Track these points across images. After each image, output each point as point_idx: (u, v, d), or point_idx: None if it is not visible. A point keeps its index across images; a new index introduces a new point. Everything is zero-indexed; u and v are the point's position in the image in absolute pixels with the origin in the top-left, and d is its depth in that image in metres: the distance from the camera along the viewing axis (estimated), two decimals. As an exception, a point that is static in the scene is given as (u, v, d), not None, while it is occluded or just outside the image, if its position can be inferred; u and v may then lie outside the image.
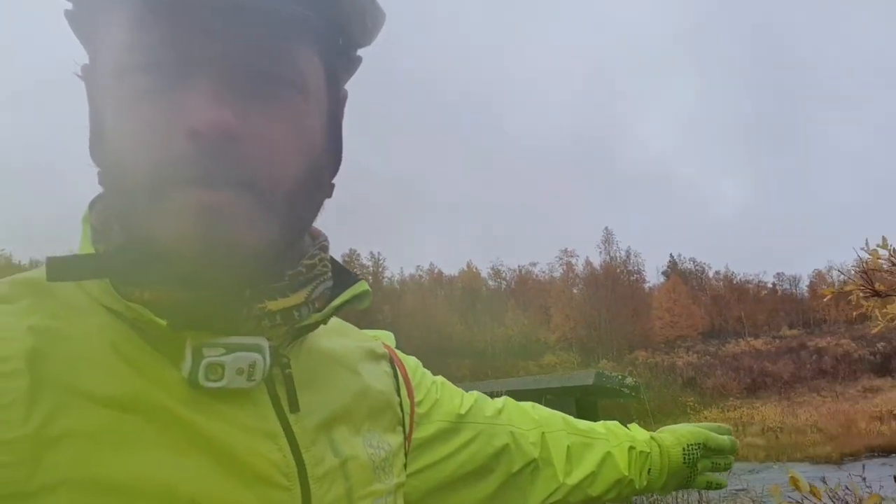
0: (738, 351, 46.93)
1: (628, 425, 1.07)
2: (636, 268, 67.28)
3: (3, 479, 0.44)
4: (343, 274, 0.67)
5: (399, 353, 0.83)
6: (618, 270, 64.88)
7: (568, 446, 0.95)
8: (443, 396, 0.86)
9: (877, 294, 1.80)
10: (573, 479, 0.94)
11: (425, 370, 0.89)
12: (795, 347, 45.06)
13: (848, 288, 1.84)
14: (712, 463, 1.06)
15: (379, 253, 70.53)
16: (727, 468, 1.09)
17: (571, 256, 68.06)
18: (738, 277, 70.88)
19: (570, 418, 1.01)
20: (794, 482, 1.47)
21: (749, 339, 53.26)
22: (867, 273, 1.82)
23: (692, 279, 69.94)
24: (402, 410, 0.76)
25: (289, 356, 0.60)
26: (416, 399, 0.81)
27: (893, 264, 1.79)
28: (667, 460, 1.02)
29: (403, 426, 0.76)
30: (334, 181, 0.64)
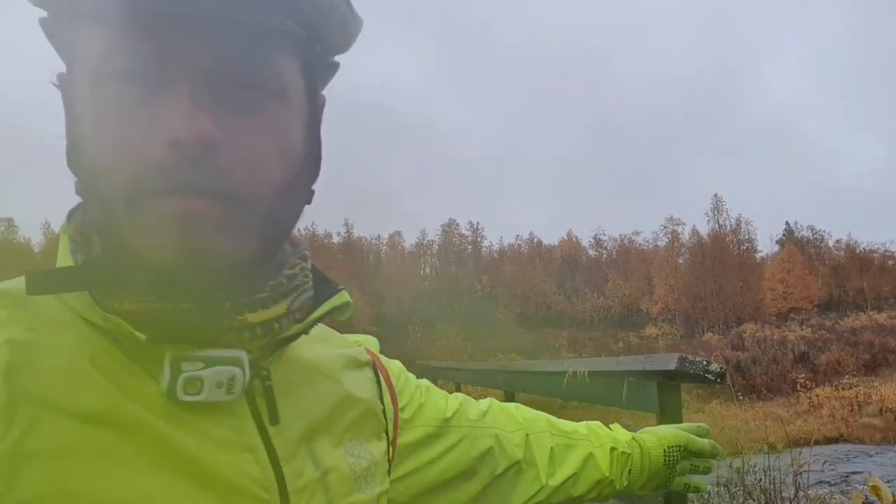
0: (857, 325, 43.51)
1: (610, 425, 1.09)
2: (747, 236, 63.85)
3: None
4: (324, 283, 0.67)
5: (382, 358, 0.84)
6: (727, 240, 61.93)
7: (551, 448, 0.97)
8: (427, 401, 0.87)
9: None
10: (556, 480, 0.95)
11: (409, 374, 0.89)
12: (924, 322, 41.58)
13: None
14: (691, 465, 1.08)
15: (478, 223, 71.06)
16: (706, 472, 1.11)
17: (678, 225, 65.37)
18: (863, 246, 65.84)
19: (554, 419, 1.03)
20: (876, 491, 1.42)
21: (871, 312, 49.31)
22: None
23: (810, 248, 65.64)
24: (385, 417, 0.77)
25: (269, 368, 0.60)
26: (400, 404, 0.82)
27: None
28: (647, 461, 1.04)
29: (387, 433, 0.77)
30: (314, 187, 0.64)
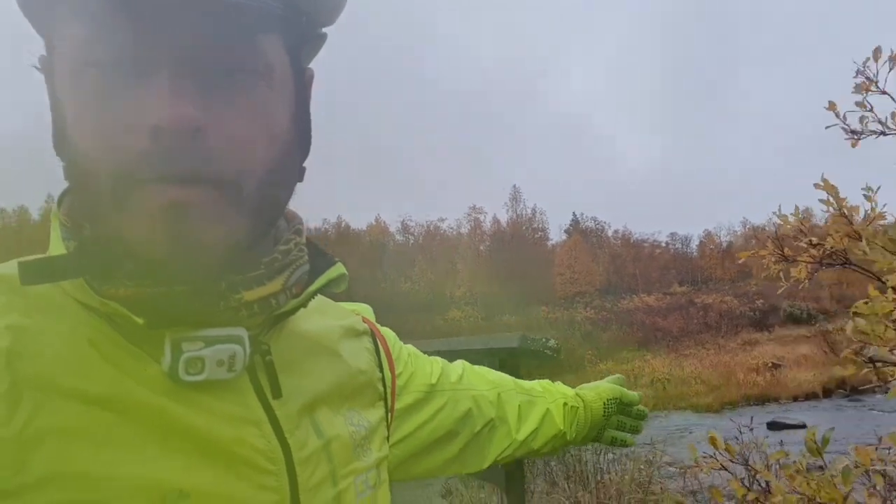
0: (632, 307, 49.24)
1: (555, 382, 1.13)
2: (541, 225, 69.12)
3: None
4: (320, 256, 0.67)
5: (378, 327, 0.84)
6: (523, 228, 66.46)
7: (518, 404, 1.01)
8: (416, 368, 0.89)
9: (785, 259, 1.95)
10: (521, 434, 0.99)
11: (400, 343, 0.90)
12: (684, 304, 47.63)
13: (762, 252, 1.98)
14: (618, 421, 1.13)
15: (284, 205, 68.68)
16: (637, 432, 1.16)
17: (479, 213, 68.97)
18: (635, 236, 74.28)
19: (515, 379, 1.07)
20: (713, 441, 1.60)
21: (642, 295, 56.03)
22: (779, 239, 1.96)
23: (592, 237, 72.59)
24: (384, 385, 0.78)
25: (269, 343, 0.61)
26: (398, 371, 0.83)
27: (802, 232, 1.94)
28: (590, 414, 1.09)
29: (385, 400, 0.78)
30: (305, 164, 0.63)
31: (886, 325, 1.16)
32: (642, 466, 5.30)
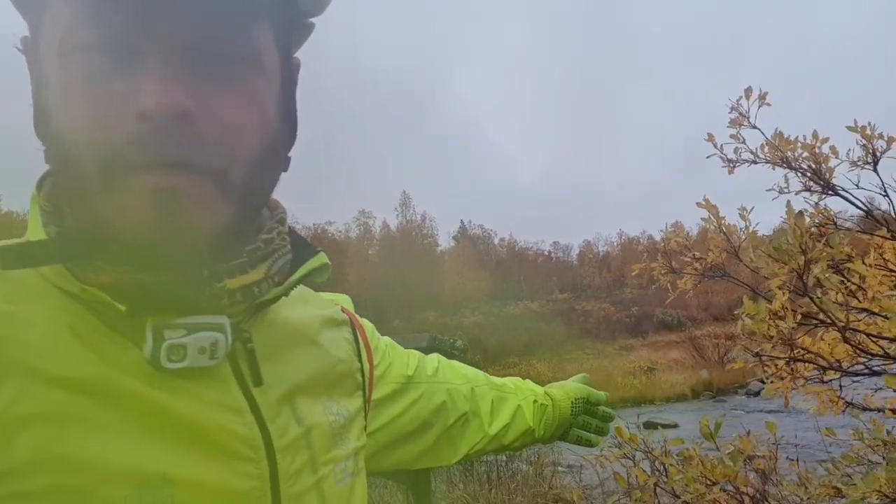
0: (517, 312, 50.88)
1: (525, 380, 1.14)
2: (430, 231, 69.78)
3: None
4: (302, 246, 0.67)
5: (357, 317, 0.85)
6: (413, 234, 66.83)
7: (491, 400, 1.03)
8: (394, 359, 0.90)
9: (673, 271, 2.18)
10: (493, 429, 1.01)
11: (378, 334, 0.91)
12: (566, 310, 49.87)
13: (653, 265, 2.21)
14: (584, 421, 1.14)
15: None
16: (603, 434, 1.17)
17: (369, 218, 68.66)
18: (520, 244, 76.61)
19: (488, 375, 1.08)
20: (619, 431, 1.77)
21: (527, 301, 57.95)
22: (667, 253, 2.20)
23: (479, 244, 74.17)
24: (362, 375, 0.78)
25: (250, 331, 0.61)
26: (375, 361, 0.84)
27: (686, 248, 2.18)
28: (558, 413, 1.10)
29: (363, 390, 0.78)
30: (290, 154, 0.63)
31: (770, 324, 1.36)
32: (532, 466, 5.53)
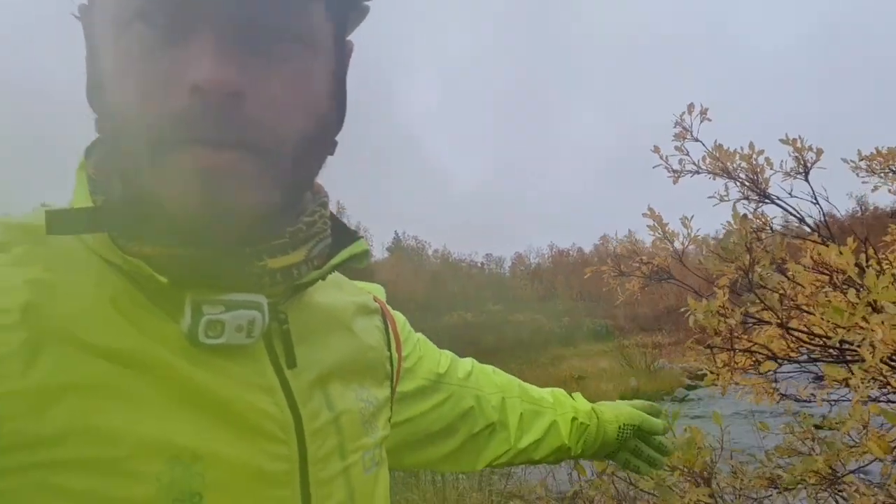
0: (451, 323, 51.28)
1: (573, 394, 1.12)
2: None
3: (7, 430, 0.44)
4: (342, 231, 0.67)
5: (388, 308, 0.84)
6: (346, 245, 66.26)
7: (521, 413, 1.00)
8: (425, 354, 0.90)
9: (622, 274, 2.31)
10: (522, 443, 0.99)
11: (410, 327, 0.91)
12: (499, 322, 50.46)
13: (603, 269, 2.33)
14: (635, 446, 1.12)
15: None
16: (654, 466, 1.13)
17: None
18: (454, 256, 77.14)
19: (525, 385, 1.06)
20: None
21: (461, 312, 58.31)
22: (616, 258, 2.32)
23: (413, 255, 74.28)
24: (391, 365, 0.77)
25: (286, 312, 0.60)
26: (404, 354, 0.83)
27: (634, 253, 2.31)
28: (602, 434, 1.07)
29: (391, 380, 0.77)
30: (337, 138, 0.62)
31: (719, 319, 1.48)
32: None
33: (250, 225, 0.52)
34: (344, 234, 0.66)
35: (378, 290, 0.86)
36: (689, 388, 14.51)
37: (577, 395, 1.12)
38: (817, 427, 2.55)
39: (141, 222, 0.52)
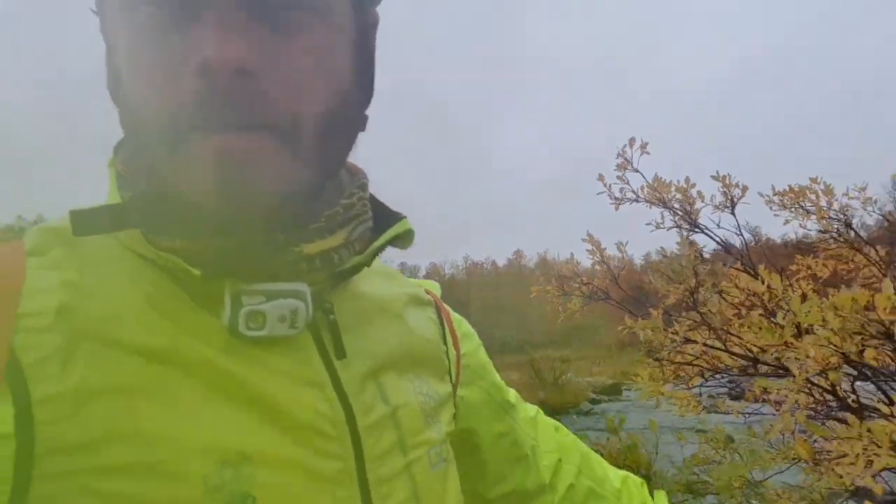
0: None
1: (654, 492, 0.90)
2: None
3: (45, 435, 0.42)
4: (384, 213, 0.63)
5: (442, 303, 0.79)
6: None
7: (571, 484, 0.83)
8: (488, 365, 0.81)
9: (565, 293, 2.47)
10: None
11: (469, 326, 0.83)
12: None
13: (548, 288, 2.48)
14: None
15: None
16: None
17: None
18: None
19: (592, 456, 0.89)
20: None
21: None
22: (560, 278, 2.48)
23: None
24: (448, 359, 0.72)
25: (332, 301, 0.57)
26: (462, 350, 0.76)
27: (576, 274, 2.48)
28: None
29: (451, 375, 0.72)
30: (367, 112, 0.59)
31: (665, 335, 1.65)
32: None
33: (278, 209, 0.49)
34: (386, 217, 0.63)
35: (433, 286, 0.81)
36: (593, 402, 15.08)
37: (660, 493, 0.90)
38: (730, 439, 2.80)
39: (167, 216, 0.50)
